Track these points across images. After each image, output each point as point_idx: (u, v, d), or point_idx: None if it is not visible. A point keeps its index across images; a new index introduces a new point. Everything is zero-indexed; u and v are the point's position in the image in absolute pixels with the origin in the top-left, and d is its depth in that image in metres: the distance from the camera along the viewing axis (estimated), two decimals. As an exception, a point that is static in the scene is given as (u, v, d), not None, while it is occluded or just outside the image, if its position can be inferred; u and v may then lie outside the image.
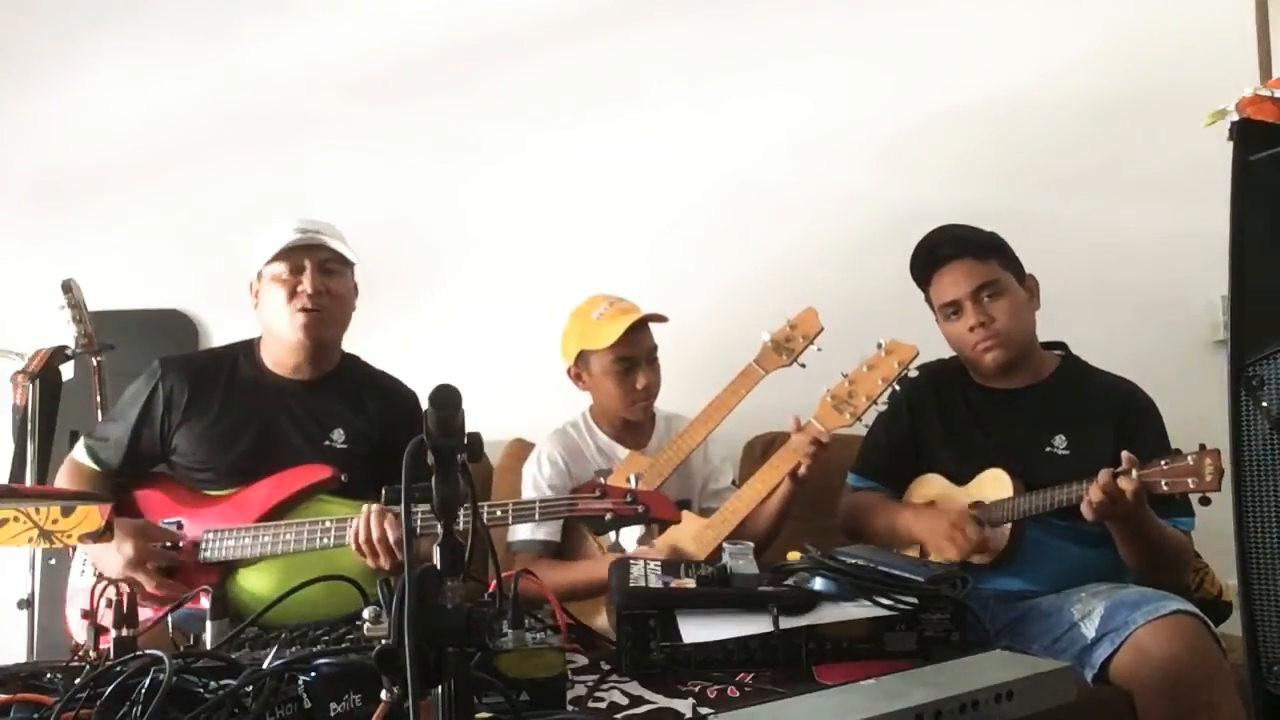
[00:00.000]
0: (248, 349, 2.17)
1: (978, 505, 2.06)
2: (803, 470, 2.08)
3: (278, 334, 2.09)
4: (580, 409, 2.44)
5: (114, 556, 1.92)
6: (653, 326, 2.33)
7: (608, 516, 1.85)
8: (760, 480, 2.13)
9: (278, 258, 2.04)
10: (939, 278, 2.15)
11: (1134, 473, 1.80)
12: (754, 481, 2.14)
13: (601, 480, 1.91)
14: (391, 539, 1.83)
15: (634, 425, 2.37)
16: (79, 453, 2.13)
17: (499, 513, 1.88)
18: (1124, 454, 1.83)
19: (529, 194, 3.02)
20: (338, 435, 2.08)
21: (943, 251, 2.15)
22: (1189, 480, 1.76)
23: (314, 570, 1.79)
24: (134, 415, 2.08)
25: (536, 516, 1.91)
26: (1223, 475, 1.72)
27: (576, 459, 2.34)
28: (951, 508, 2.09)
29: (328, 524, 1.92)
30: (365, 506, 1.88)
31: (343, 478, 2.01)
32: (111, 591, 1.47)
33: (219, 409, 2.08)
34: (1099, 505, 1.82)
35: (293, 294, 2.04)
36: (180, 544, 1.98)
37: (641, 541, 2.08)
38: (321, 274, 2.05)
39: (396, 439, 2.05)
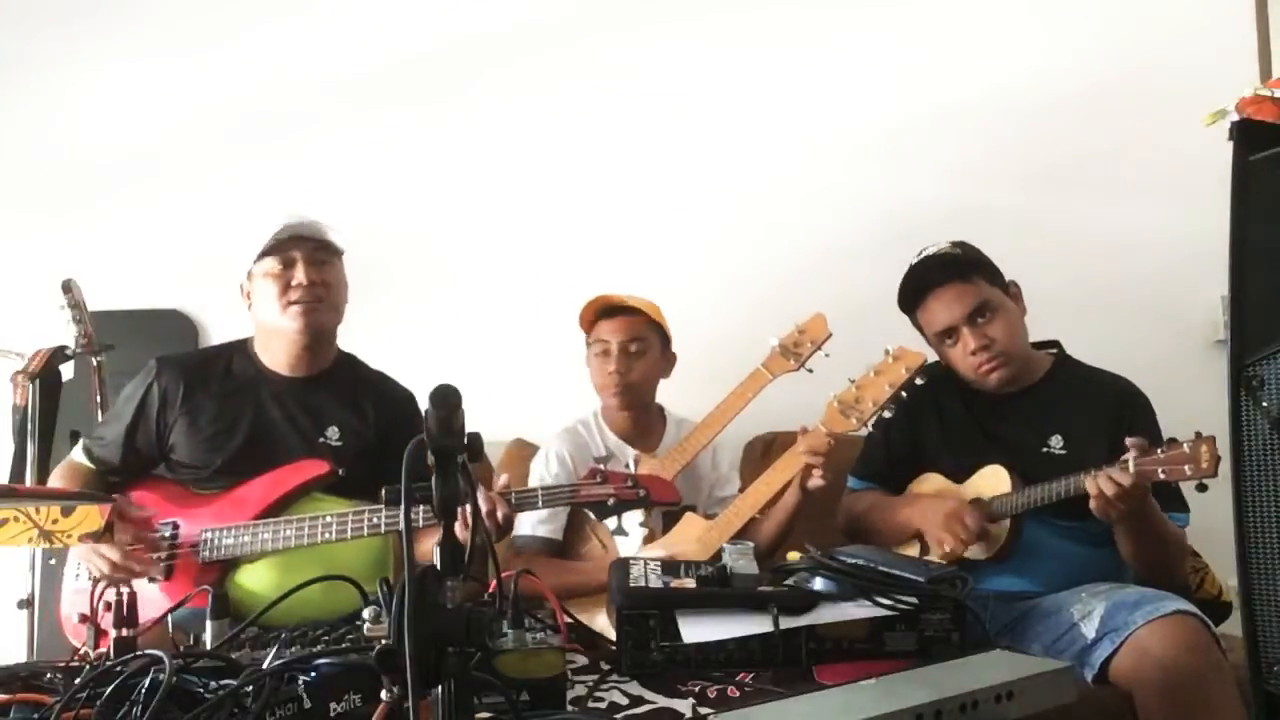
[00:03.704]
0: (242, 347, 2.17)
1: (976, 502, 2.06)
2: (814, 481, 2.07)
3: (274, 329, 2.09)
4: (584, 409, 2.44)
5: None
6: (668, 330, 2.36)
7: (610, 501, 1.87)
8: (765, 483, 2.13)
9: (267, 253, 2.04)
10: (927, 305, 2.13)
11: (1130, 466, 1.79)
12: (758, 485, 2.14)
13: (601, 467, 1.92)
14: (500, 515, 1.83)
15: (643, 426, 2.37)
16: (76, 452, 2.13)
17: None
18: (1129, 440, 1.81)
19: (530, 194, 3.02)
20: (332, 433, 2.08)
21: (929, 280, 2.12)
22: (1186, 468, 1.75)
23: (313, 568, 1.78)
24: (129, 414, 2.08)
25: (540, 504, 1.91)
26: (1219, 461, 1.71)
27: (584, 457, 2.34)
28: (950, 497, 2.09)
29: (329, 519, 1.92)
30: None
31: (340, 472, 2.01)
32: (111, 593, 1.47)
33: (214, 407, 2.08)
34: (1112, 497, 1.80)
35: (286, 287, 2.03)
36: (150, 517, 1.98)
37: (642, 524, 2.09)
38: (312, 265, 2.05)
39: (392, 439, 2.09)
